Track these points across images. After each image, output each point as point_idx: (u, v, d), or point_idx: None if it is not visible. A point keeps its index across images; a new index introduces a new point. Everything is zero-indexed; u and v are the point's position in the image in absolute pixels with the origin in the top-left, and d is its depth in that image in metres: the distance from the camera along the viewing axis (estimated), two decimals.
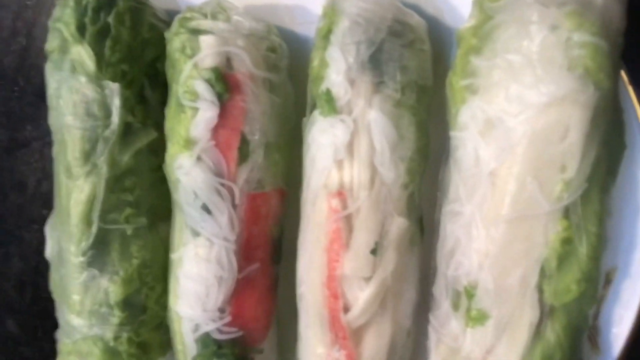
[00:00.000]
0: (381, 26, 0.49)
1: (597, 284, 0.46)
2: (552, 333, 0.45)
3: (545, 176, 0.43)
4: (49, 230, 0.61)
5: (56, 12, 0.57)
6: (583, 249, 0.44)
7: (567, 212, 0.43)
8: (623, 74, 0.50)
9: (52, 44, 0.57)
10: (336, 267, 0.50)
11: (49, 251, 0.61)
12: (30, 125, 0.79)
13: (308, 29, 0.61)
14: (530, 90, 0.42)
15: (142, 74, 0.58)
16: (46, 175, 0.79)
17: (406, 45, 0.50)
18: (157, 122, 0.58)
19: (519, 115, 0.43)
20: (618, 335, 0.53)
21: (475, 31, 0.47)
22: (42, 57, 0.77)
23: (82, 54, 0.55)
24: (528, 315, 0.45)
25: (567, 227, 0.43)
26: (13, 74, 0.79)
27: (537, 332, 0.45)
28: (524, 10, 0.42)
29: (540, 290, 0.45)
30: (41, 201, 0.79)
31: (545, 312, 0.45)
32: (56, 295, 0.61)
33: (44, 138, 0.79)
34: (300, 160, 0.57)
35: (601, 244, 0.45)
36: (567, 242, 0.44)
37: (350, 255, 0.50)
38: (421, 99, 0.52)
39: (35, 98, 0.79)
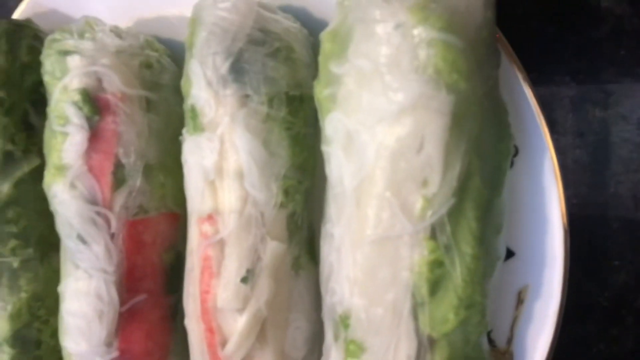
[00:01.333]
0: (239, 35, 0.45)
1: (484, 310, 0.41)
2: None
3: (406, 193, 0.38)
4: None
5: None
6: (457, 273, 0.38)
7: (433, 232, 0.38)
8: (517, 71, 0.45)
9: None
10: (207, 299, 0.46)
11: None
12: None
13: None
14: (380, 99, 0.37)
15: (23, 99, 0.56)
16: None
17: (271, 54, 0.46)
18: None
19: (373, 127, 0.38)
20: None
21: (334, 35, 0.42)
22: None
23: None
24: (405, 347, 0.40)
25: (435, 249, 0.38)
26: None
27: None
28: (368, 7, 0.38)
29: (415, 318, 0.40)
30: None
31: (424, 344, 0.40)
32: None
33: None
34: None
35: (481, 265, 0.39)
36: (436, 266, 0.38)
37: (221, 286, 0.46)
38: (297, 111, 0.47)
39: None
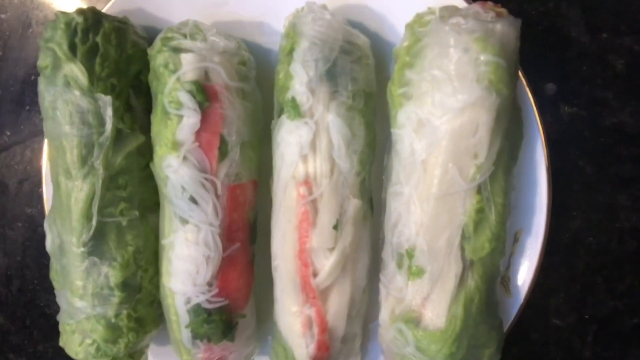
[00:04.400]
0: (334, 46, 0.60)
1: (505, 242, 0.61)
2: (472, 281, 0.59)
3: (463, 162, 0.56)
4: (48, 226, 0.69)
5: (47, 33, 0.64)
6: (492, 216, 0.58)
7: (479, 189, 0.57)
8: (523, 79, 0.64)
9: (44, 61, 0.64)
10: (306, 242, 0.62)
11: (49, 244, 0.69)
12: (9, 131, 0.85)
13: (271, 42, 0.72)
14: (450, 98, 0.55)
15: (127, 85, 0.66)
16: (27, 176, 0.86)
17: (355, 60, 0.62)
18: (142, 127, 0.67)
19: (442, 117, 0.56)
20: (524, 282, 0.68)
21: (408, 50, 0.59)
22: (20, 67, 0.84)
23: (75, 70, 0.63)
24: (454, 268, 0.59)
25: (480, 200, 0.57)
26: None
27: (461, 281, 0.59)
28: (443, 35, 0.55)
29: (462, 249, 0.59)
30: (24, 201, 0.86)
31: (467, 266, 0.59)
32: (57, 283, 0.69)
33: (24, 142, 0.85)
34: (267, 155, 0.68)
35: (506, 211, 0.59)
36: (480, 211, 0.57)
37: (316, 232, 0.61)
38: (368, 103, 0.64)
39: (15, 105, 0.85)
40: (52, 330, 0.87)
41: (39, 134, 0.85)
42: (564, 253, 0.75)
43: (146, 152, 0.67)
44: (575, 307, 0.76)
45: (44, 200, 0.76)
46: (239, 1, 0.72)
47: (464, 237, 0.58)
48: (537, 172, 0.66)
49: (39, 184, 0.85)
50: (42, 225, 0.85)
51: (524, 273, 0.68)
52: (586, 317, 0.76)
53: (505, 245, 0.61)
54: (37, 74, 0.83)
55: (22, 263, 0.87)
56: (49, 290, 0.86)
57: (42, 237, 0.86)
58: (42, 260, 0.86)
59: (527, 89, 0.64)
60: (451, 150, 0.56)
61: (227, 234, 0.65)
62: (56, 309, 0.86)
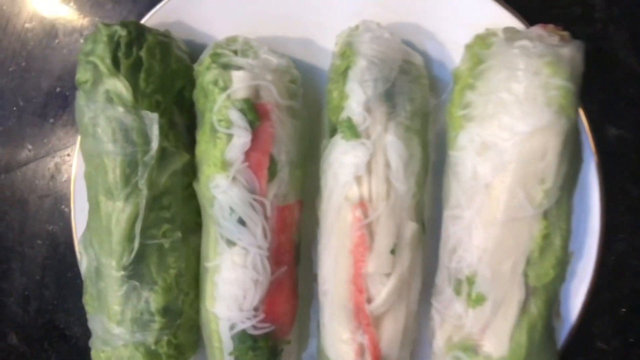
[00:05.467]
0: (394, 66, 0.58)
1: (567, 267, 0.59)
2: (535, 308, 0.58)
3: (530, 187, 0.55)
4: (83, 248, 0.65)
5: (86, 46, 0.61)
6: (557, 241, 0.57)
7: (546, 214, 0.56)
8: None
9: (84, 75, 0.61)
10: (361, 267, 0.59)
11: (84, 268, 0.65)
12: (31, 144, 0.81)
13: (317, 59, 0.70)
14: (519, 121, 0.54)
15: (172, 102, 0.64)
16: (49, 192, 0.82)
17: (412, 80, 0.60)
18: (186, 145, 0.65)
19: (509, 140, 0.55)
20: (574, 305, 0.67)
21: (469, 72, 0.58)
22: (44, 78, 0.80)
23: (119, 86, 0.60)
24: (517, 295, 0.57)
25: (547, 226, 0.56)
26: (11, 95, 0.80)
27: (524, 308, 0.57)
28: (511, 58, 0.54)
29: (525, 275, 0.57)
30: (45, 217, 0.82)
31: (530, 292, 0.58)
32: (91, 307, 0.65)
33: (47, 156, 0.81)
34: (312, 173, 0.66)
35: (569, 236, 0.58)
36: (546, 237, 0.56)
37: (373, 256, 0.59)
38: (424, 124, 0.62)
39: (37, 118, 0.81)
40: (72, 354, 0.83)
41: (62, 148, 0.81)
42: (609, 276, 0.75)
43: (189, 171, 0.64)
44: (620, 330, 0.75)
45: (71, 219, 0.72)
46: (281, 16, 0.70)
47: (528, 263, 0.57)
48: (589, 195, 0.65)
49: (61, 200, 0.81)
50: (63, 243, 0.82)
51: (575, 297, 0.67)
52: (631, 340, 0.75)
53: (566, 270, 0.60)
54: (63, 86, 0.81)
55: (41, 283, 0.83)
56: (69, 311, 0.82)
57: (63, 255, 0.83)
58: (62, 280, 0.83)
59: (582, 112, 0.63)
60: (519, 174, 0.55)
61: (275, 257, 0.63)
62: (76, 332, 0.83)
